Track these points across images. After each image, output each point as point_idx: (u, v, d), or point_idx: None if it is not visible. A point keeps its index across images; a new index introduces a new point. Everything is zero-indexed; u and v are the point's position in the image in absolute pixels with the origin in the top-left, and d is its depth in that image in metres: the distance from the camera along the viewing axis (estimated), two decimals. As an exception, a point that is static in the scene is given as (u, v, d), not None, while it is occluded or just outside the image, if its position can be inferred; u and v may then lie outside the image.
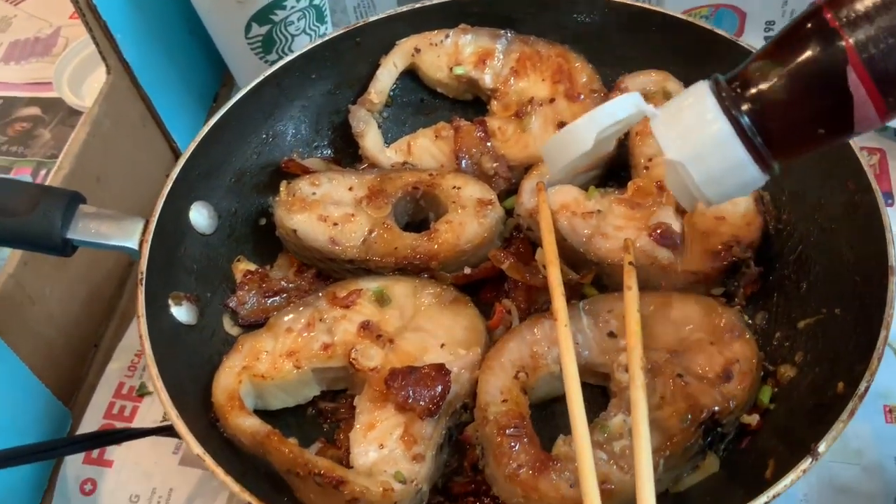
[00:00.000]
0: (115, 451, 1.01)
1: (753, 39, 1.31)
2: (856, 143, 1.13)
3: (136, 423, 1.05)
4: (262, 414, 0.86)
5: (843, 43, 0.57)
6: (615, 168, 1.03)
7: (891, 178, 1.14)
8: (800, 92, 0.60)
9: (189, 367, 0.86)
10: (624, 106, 0.69)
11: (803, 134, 0.62)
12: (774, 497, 0.67)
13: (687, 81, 1.00)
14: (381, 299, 0.89)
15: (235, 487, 0.70)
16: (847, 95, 0.57)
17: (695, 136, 0.63)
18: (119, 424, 1.05)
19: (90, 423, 1.04)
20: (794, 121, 0.61)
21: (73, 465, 1.01)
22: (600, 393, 0.87)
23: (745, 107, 0.61)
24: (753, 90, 0.61)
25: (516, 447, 0.76)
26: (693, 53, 1.00)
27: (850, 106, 0.58)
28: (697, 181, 0.64)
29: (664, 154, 0.65)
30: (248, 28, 1.17)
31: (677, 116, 0.65)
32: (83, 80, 1.49)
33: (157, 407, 1.06)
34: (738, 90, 0.62)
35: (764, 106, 0.61)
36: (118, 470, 1.00)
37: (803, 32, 0.59)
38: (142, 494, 0.99)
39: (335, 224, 0.95)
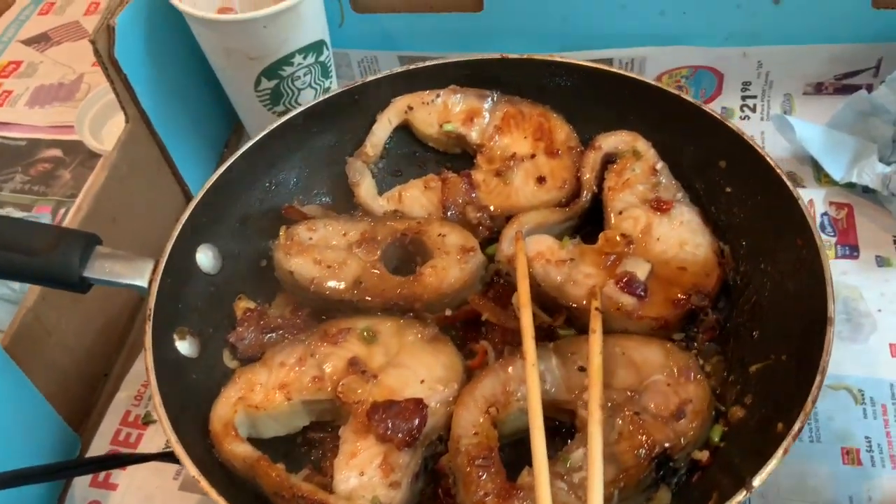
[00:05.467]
0: (119, 476, 1.07)
1: (731, 99, 1.40)
2: (807, 201, 1.21)
3: (141, 450, 1.10)
4: (255, 442, 0.92)
5: None
6: (590, 220, 1.10)
7: (857, 232, 1.20)
8: None
9: (190, 396, 0.93)
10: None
11: None
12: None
13: (654, 141, 1.09)
14: (368, 337, 0.96)
15: (226, 505, 0.78)
16: None
17: None
18: (125, 450, 1.10)
19: (98, 448, 1.10)
20: None
21: (80, 488, 1.07)
22: (567, 430, 0.93)
23: None
24: None
25: (483, 476, 0.83)
26: (662, 115, 1.08)
27: None
28: None
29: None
30: (257, 82, 1.25)
31: None
32: (103, 125, 1.57)
33: (161, 435, 1.11)
34: None
35: None
36: (122, 493, 1.06)
37: None
38: (144, 517, 1.05)
39: (329, 267, 1.03)
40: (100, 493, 1.07)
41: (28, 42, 1.82)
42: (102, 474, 1.08)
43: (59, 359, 1.12)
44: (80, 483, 1.08)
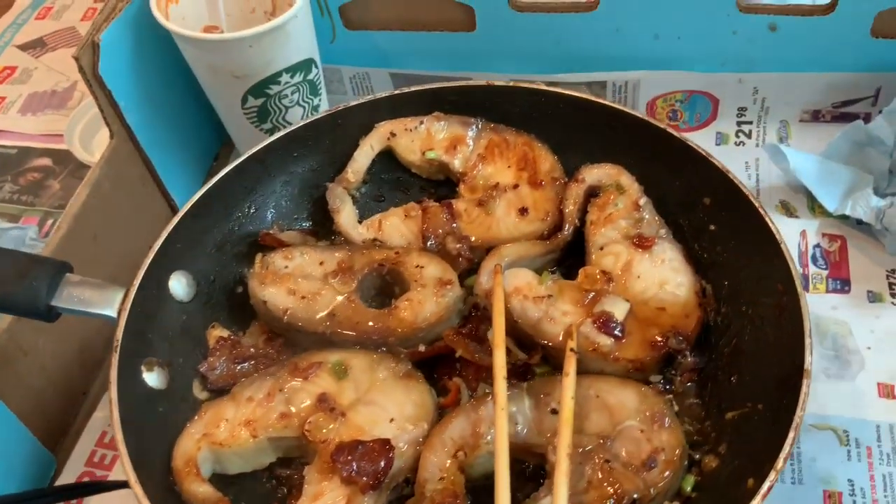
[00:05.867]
0: (92, 500, 1.05)
1: (726, 124, 1.37)
2: (799, 232, 1.18)
3: (115, 473, 1.09)
4: (221, 477, 0.91)
5: None
6: (572, 251, 1.08)
7: (850, 265, 1.18)
8: None
9: (156, 430, 0.91)
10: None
11: None
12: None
13: (641, 175, 1.07)
14: (339, 372, 0.94)
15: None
16: None
17: None
18: (99, 473, 1.09)
19: (72, 470, 1.09)
20: None
21: (53, 511, 1.07)
22: (538, 472, 0.91)
23: None
24: None
25: (447, 524, 0.82)
26: (648, 149, 1.06)
27: None
28: None
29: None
30: (244, 100, 1.23)
31: None
32: (93, 135, 1.55)
33: (137, 456, 1.12)
34: None
35: None
36: (94, 517, 1.06)
37: None
38: (115, 542, 1.04)
39: (303, 297, 1.01)
40: (72, 516, 1.07)
41: (24, 47, 1.81)
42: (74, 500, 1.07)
43: (36, 379, 1.11)
44: (52, 507, 1.07)
